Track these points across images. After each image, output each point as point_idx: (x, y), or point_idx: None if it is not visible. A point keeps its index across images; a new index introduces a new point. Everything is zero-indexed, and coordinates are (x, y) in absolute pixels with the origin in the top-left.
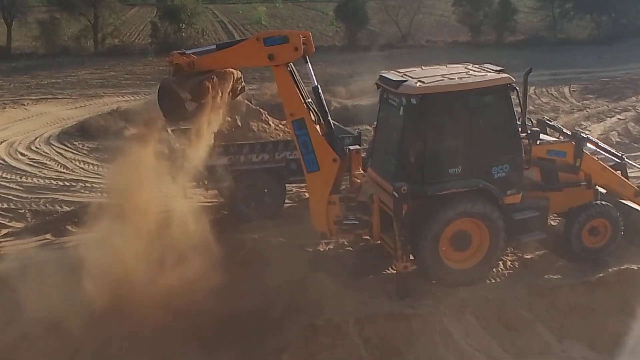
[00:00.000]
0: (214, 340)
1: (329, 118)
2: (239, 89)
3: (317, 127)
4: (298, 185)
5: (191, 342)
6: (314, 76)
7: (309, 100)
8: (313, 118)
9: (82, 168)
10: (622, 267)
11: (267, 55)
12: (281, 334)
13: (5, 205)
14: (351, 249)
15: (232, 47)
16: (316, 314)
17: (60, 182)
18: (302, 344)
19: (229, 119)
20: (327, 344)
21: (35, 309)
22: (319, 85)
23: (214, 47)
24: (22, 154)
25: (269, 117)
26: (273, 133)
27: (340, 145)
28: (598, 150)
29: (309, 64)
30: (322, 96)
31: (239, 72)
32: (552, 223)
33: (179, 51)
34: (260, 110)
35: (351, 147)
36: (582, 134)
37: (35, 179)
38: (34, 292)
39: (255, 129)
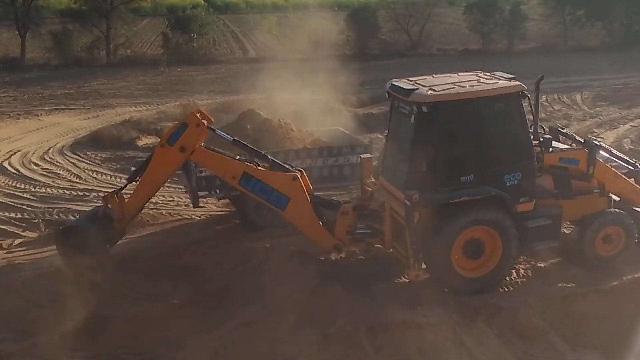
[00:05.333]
0: (224, 348)
1: (263, 153)
2: None
3: (261, 168)
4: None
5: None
6: (226, 135)
7: (238, 157)
8: (253, 165)
9: (95, 178)
10: (636, 275)
11: (179, 150)
12: (293, 342)
13: (19, 215)
14: (363, 257)
15: (149, 167)
16: (328, 323)
17: (73, 192)
18: (313, 352)
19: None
20: (339, 353)
21: None
22: (235, 138)
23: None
24: (35, 164)
25: (282, 125)
26: (286, 142)
27: (287, 165)
28: (611, 157)
29: (216, 129)
30: (245, 142)
31: None
32: (565, 231)
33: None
34: (271, 119)
35: (362, 156)
36: (594, 142)
37: (48, 189)
38: None
39: (268, 137)
